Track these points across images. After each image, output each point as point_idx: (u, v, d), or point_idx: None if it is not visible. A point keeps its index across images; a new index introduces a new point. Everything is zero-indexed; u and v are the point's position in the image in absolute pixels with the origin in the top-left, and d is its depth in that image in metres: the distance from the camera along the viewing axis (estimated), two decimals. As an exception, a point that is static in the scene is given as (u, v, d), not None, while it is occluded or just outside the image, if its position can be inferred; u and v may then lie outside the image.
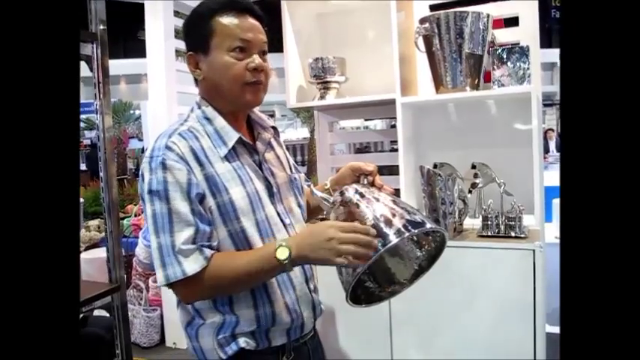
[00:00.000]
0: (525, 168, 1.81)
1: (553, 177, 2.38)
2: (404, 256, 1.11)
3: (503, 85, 1.83)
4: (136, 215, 3.65)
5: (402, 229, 0.93)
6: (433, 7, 2.08)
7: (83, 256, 3.47)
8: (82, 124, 9.70)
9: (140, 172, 1.04)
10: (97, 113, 1.61)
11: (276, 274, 1.03)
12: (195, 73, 1.11)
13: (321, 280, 1.20)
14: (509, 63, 1.81)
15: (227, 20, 1.06)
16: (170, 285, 1.00)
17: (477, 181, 1.86)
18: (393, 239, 0.91)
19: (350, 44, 2.32)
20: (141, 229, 3.39)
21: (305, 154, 11.11)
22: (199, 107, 1.11)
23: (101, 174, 1.64)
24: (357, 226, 0.95)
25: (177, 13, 3.23)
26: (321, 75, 2.16)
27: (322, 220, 1.10)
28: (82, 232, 3.80)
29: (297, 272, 1.11)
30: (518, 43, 1.86)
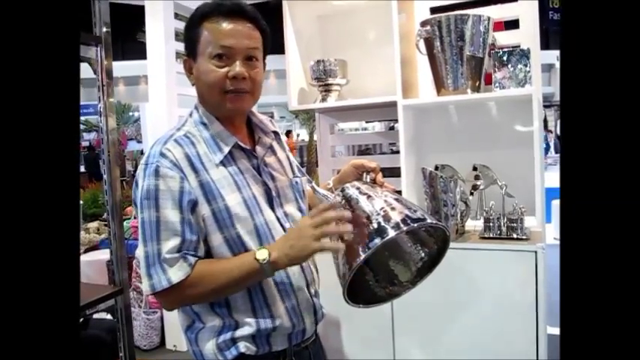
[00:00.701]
0: (526, 169, 1.80)
1: (552, 178, 2.38)
2: (406, 257, 1.11)
3: (503, 87, 1.83)
4: (135, 217, 3.64)
5: (401, 224, 0.93)
6: (434, 10, 2.08)
7: (82, 258, 3.46)
8: (80, 126, 9.72)
9: (135, 179, 1.04)
10: (100, 115, 1.61)
11: (257, 278, 1.01)
12: (190, 77, 1.11)
13: (323, 283, 1.20)
14: (509, 65, 1.82)
15: (211, 26, 1.03)
16: (155, 293, 1.00)
17: (479, 182, 1.86)
18: (391, 233, 0.91)
19: (351, 46, 2.32)
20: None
21: (304, 156, 11.12)
22: (197, 111, 1.11)
23: (104, 176, 1.64)
24: (322, 206, 0.97)
25: (177, 16, 3.24)
26: (322, 77, 2.16)
27: None
28: (82, 234, 3.80)
29: (297, 277, 1.10)
30: (519, 46, 1.86)
